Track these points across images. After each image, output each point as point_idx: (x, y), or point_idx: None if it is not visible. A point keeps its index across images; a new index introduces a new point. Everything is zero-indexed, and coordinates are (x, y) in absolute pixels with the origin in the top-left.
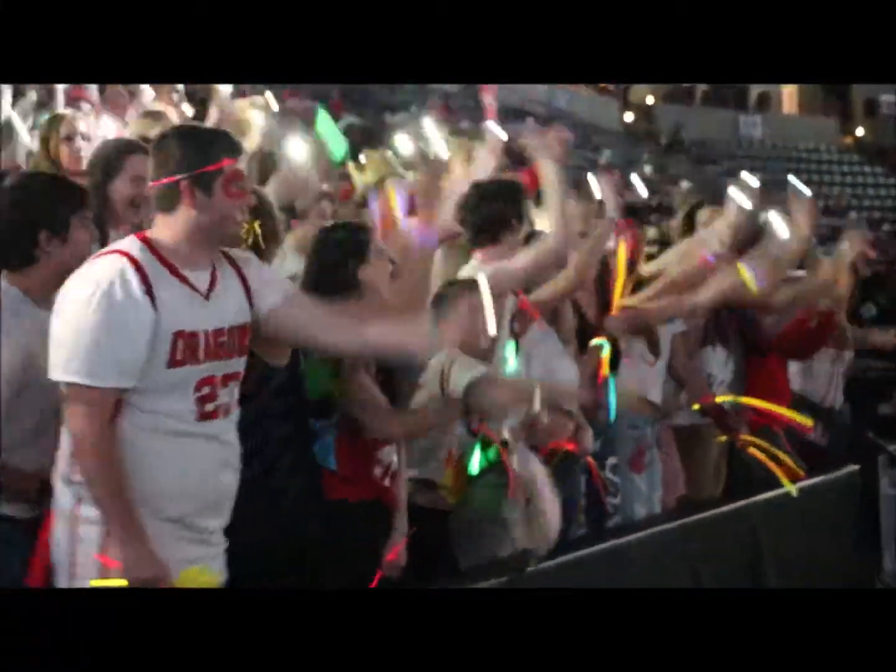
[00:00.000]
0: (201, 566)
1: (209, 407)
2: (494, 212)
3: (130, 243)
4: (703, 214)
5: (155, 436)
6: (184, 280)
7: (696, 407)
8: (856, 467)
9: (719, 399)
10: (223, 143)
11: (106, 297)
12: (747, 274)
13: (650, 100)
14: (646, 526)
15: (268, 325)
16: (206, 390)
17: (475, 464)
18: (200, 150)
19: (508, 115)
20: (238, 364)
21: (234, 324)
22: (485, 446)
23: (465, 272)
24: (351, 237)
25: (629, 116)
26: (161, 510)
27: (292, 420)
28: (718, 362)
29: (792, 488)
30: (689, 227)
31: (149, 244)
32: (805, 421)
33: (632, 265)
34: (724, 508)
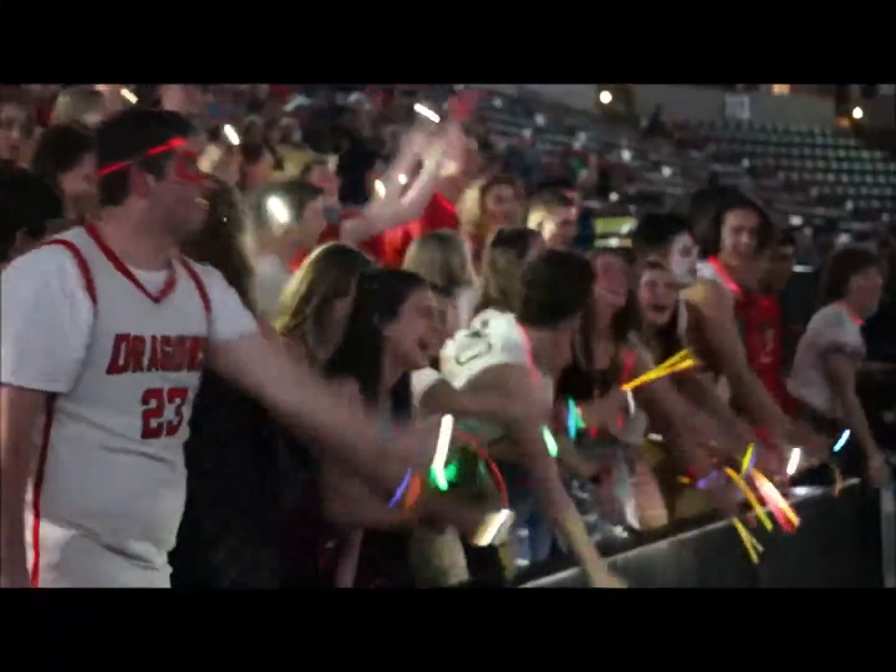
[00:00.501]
0: None
1: (154, 423)
2: (561, 294)
3: (76, 234)
4: (732, 218)
5: (89, 451)
6: (132, 279)
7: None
8: (856, 481)
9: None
10: (172, 122)
11: (41, 290)
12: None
13: None
14: (635, 544)
15: (216, 356)
16: (152, 404)
17: (442, 482)
18: (148, 131)
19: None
20: (187, 379)
21: (185, 334)
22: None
23: (495, 329)
24: (383, 288)
25: (606, 97)
26: (90, 531)
27: (254, 447)
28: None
29: (753, 555)
30: (716, 234)
31: (96, 237)
32: (791, 519)
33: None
34: (717, 525)
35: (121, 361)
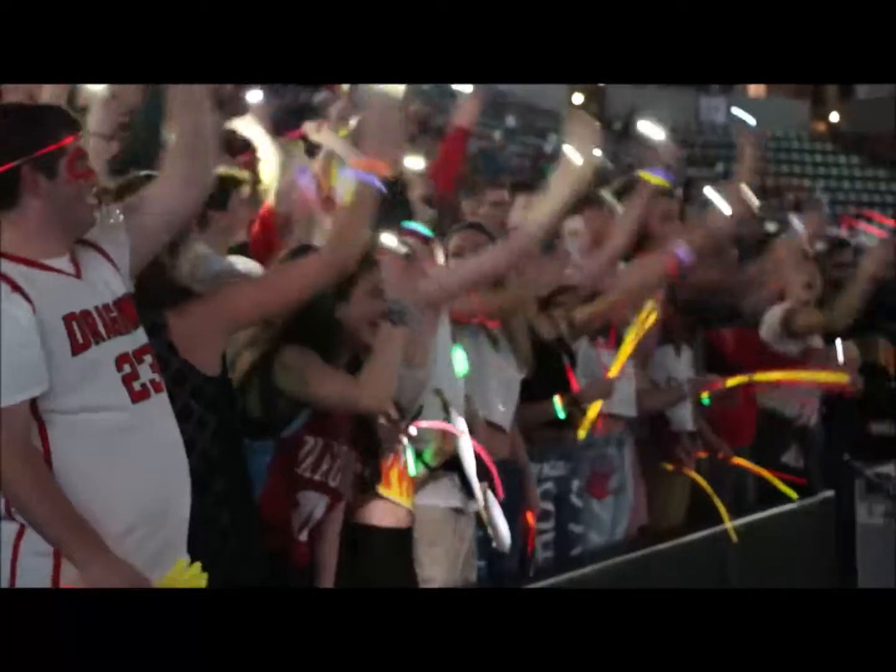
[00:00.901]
0: (182, 561)
1: (137, 385)
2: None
3: None
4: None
5: (89, 439)
6: (48, 268)
7: (705, 396)
8: (831, 493)
9: (730, 382)
10: (60, 118)
11: None
12: (651, 175)
13: None
14: (604, 556)
15: (141, 248)
16: (126, 368)
17: (411, 466)
18: (37, 128)
19: (445, 95)
20: (141, 336)
21: (116, 296)
22: (419, 450)
23: None
24: None
25: (578, 98)
26: (119, 525)
27: (225, 440)
28: (683, 365)
29: (733, 534)
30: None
31: None
32: (839, 377)
33: None
34: (689, 538)
35: (80, 339)
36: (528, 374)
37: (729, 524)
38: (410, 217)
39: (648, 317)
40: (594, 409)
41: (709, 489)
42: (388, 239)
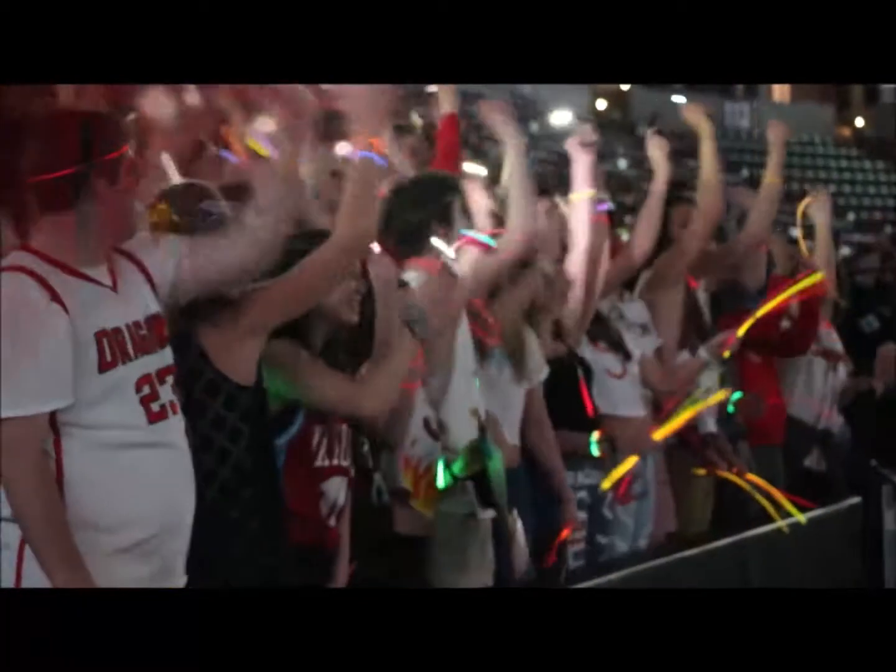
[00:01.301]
0: None
1: (155, 406)
2: (415, 221)
3: (19, 257)
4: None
5: (101, 453)
6: (87, 278)
7: (726, 354)
8: (858, 499)
9: (741, 330)
10: (119, 127)
11: (12, 317)
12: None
13: (624, 85)
14: (628, 564)
15: (186, 286)
16: (146, 390)
17: (440, 478)
18: (105, 134)
19: (467, 100)
20: (166, 356)
21: (149, 314)
22: (449, 461)
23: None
24: (307, 250)
25: (601, 104)
26: (121, 540)
27: (258, 449)
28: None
29: (783, 524)
30: None
31: (36, 252)
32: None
33: None
34: (711, 545)
35: (108, 357)
36: (532, 385)
37: (780, 521)
38: (468, 225)
39: (711, 398)
40: (627, 464)
41: (747, 487)
42: (435, 241)
